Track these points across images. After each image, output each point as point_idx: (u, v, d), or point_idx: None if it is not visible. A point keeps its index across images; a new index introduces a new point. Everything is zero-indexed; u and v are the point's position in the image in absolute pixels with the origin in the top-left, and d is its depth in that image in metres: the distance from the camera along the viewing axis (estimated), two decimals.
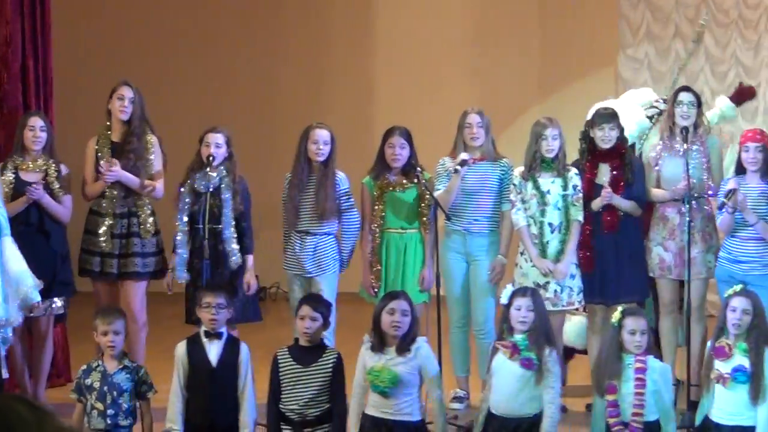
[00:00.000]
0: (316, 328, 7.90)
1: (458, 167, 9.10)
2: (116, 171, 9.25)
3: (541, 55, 13.28)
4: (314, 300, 8.23)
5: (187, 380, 7.94)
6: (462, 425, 8.46)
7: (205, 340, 7.98)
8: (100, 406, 7.80)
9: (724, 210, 8.98)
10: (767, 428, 7.76)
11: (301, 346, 7.96)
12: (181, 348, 8.00)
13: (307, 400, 7.86)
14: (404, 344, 7.85)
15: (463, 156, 9.15)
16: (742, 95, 10.52)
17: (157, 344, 9.79)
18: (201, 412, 7.94)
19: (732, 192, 8.86)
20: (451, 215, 9.33)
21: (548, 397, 7.82)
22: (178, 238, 9.28)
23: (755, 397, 7.76)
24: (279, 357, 7.96)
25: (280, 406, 7.87)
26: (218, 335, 8.00)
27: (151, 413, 7.98)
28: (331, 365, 7.91)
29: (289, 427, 7.85)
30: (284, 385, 7.88)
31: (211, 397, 7.93)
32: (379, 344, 7.87)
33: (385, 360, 7.83)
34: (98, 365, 7.93)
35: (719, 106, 10.41)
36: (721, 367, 7.77)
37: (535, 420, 7.82)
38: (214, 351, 7.96)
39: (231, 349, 8.01)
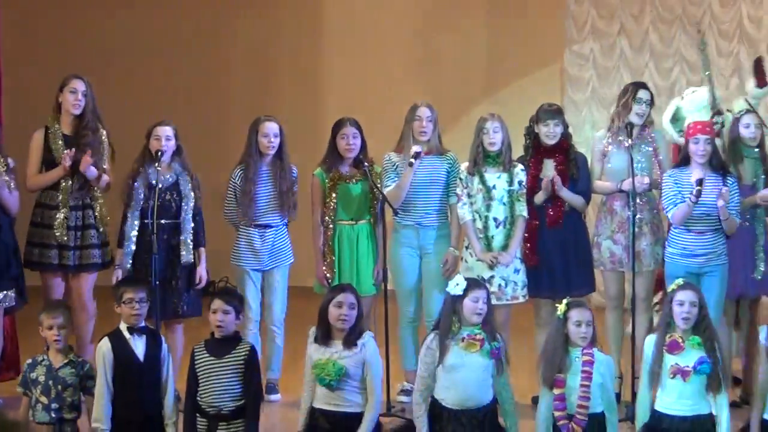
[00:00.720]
0: (228, 321, 7.82)
1: (412, 160, 9.07)
2: (90, 162, 9.22)
3: (488, 50, 13.30)
4: (227, 294, 8.14)
5: (114, 376, 7.86)
6: (408, 418, 8.38)
7: (128, 335, 7.90)
8: (44, 399, 7.79)
9: (684, 201, 8.98)
10: (724, 410, 7.78)
11: (216, 339, 7.89)
12: (105, 345, 7.87)
13: (221, 392, 7.81)
14: (351, 338, 7.87)
15: (416, 149, 9.13)
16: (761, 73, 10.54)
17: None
18: (130, 406, 7.86)
19: (700, 181, 8.86)
20: (400, 210, 9.31)
21: (504, 382, 7.93)
22: (133, 232, 9.23)
23: (716, 387, 7.77)
24: (195, 350, 7.93)
25: (198, 398, 7.83)
26: (141, 329, 7.94)
27: (91, 406, 7.96)
28: (243, 357, 7.86)
29: (205, 420, 7.80)
30: (200, 377, 7.83)
31: (140, 390, 7.88)
32: (325, 337, 7.91)
33: (331, 353, 7.86)
34: (43, 359, 7.91)
35: (753, 95, 10.47)
36: (679, 360, 7.75)
37: (491, 407, 7.86)
38: (140, 345, 7.90)
39: (154, 342, 8.00)
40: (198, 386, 7.81)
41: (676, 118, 10.32)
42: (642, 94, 9.58)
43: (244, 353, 7.87)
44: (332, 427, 7.86)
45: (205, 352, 7.86)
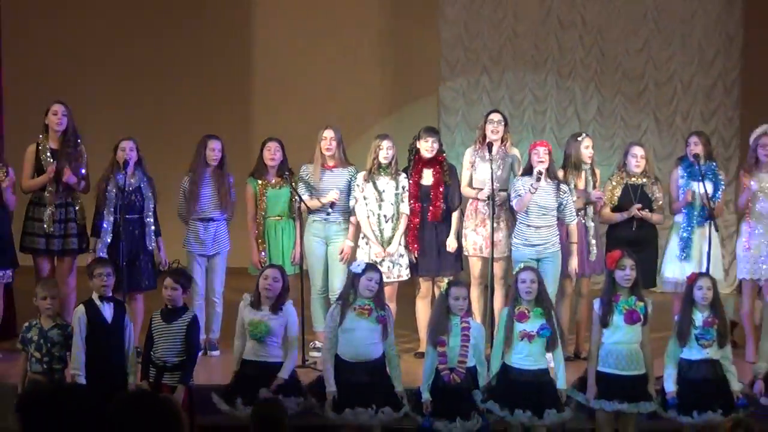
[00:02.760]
0: (176, 296, 7.94)
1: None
2: (69, 173, 9.29)
3: (382, 82, 13.11)
4: (176, 273, 8.17)
5: (87, 335, 7.85)
6: (319, 370, 8.37)
7: (99, 303, 7.90)
8: (37, 354, 7.85)
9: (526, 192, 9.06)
10: (560, 364, 7.95)
11: (168, 308, 7.97)
12: (81, 310, 7.91)
13: (167, 349, 7.86)
14: (276, 304, 8.00)
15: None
16: None
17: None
18: (99, 360, 7.85)
19: (540, 173, 9.04)
20: (311, 207, 9.39)
21: (390, 342, 7.99)
22: (105, 226, 9.23)
23: (554, 346, 7.93)
24: (153, 316, 8.02)
25: (151, 353, 7.88)
26: (109, 299, 7.97)
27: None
28: (186, 323, 7.93)
29: (155, 370, 7.84)
30: (154, 337, 7.90)
31: (108, 347, 7.88)
32: (257, 302, 8.02)
33: (261, 316, 7.96)
34: (36, 323, 7.96)
35: None
36: (526, 327, 7.86)
37: (381, 360, 7.95)
38: (108, 311, 7.90)
39: (119, 309, 8.02)
40: (152, 344, 7.92)
41: None
42: (493, 117, 9.59)
43: (187, 320, 7.95)
44: (258, 373, 7.88)
45: (159, 318, 7.96)
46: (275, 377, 7.88)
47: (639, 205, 9.41)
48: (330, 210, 9.47)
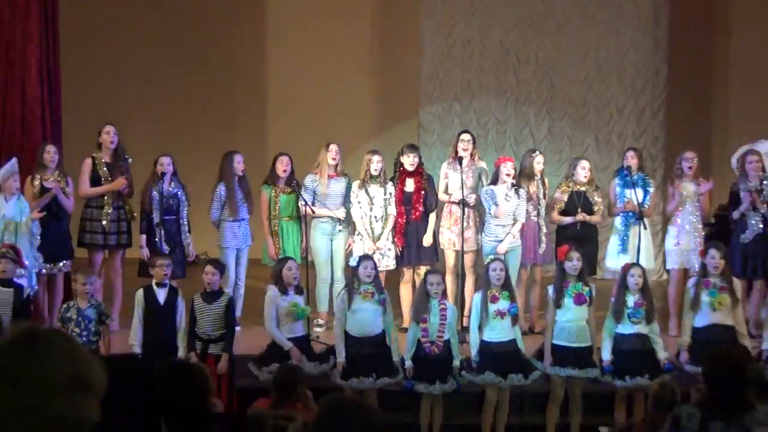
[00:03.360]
0: (215, 280, 7.98)
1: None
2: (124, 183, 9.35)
3: (373, 107, 13.00)
4: (215, 263, 8.23)
5: (144, 314, 7.91)
6: (324, 342, 8.48)
7: (156, 288, 7.95)
8: (77, 330, 7.77)
9: (495, 203, 9.06)
10: (521, 338, 8.06)
11: (207, 291, 7.99)
12: (140, 293, 7.97)
13: (209, 325, 7.89)
14: (299, 288, 8.12)
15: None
16: None
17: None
18: (154, 335, 7.88)
19: (515, 185, 9.12)
20: (316, 210, 9.35)
21: (388, 319, 8.06)
22: (155, 224, 9.21)
23: (515, 322, 8.04)
24: (194, 299, 8.00)
25: (195, 329, 7.90)
26: (164, 285, 8.01)
27: (108, 333, 8.02)
28: (224, 303, 7.96)
29: (201, 342, 7.87)
30: (196, 316, 7.90)
31: (160, 325, 7.91)
32: (284, 290, 8.02)
33: (290, 298, 8.01)
34: (74, 304, 7.92)
35: None
36: (499, 306, 7.93)
37: (381, 335, 8.00)
38: (162, 295, 7.94)
39: (171, 294, 8.02)
40: (196, 322, 7.91)
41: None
42: (464, 137, 9.57)
43: (225, 301, 8.01)
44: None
45: (200, 299, 7.96)
46: (300, 347, 7.96)
47: (583, 214, 9.39)
48: (340, 227, 9.50)
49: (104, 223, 9.30)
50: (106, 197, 9.32)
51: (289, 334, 7.99)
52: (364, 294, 7.97)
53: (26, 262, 8.48)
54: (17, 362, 2.06)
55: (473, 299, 8.25)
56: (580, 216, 9.41)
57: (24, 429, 2.04)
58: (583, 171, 9.53)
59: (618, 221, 9.57)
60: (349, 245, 9.48)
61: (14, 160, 9.01)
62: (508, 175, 9.18)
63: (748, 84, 12.51)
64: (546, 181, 9.63)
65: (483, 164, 9.74)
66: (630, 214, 9.44)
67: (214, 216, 9.52)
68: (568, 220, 9.47)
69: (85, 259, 9.40)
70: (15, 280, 8.20)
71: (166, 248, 9.08)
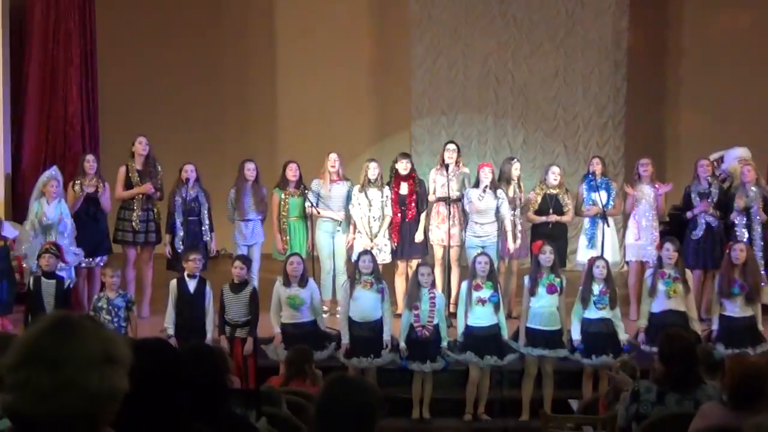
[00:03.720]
0: (243, 273, 8.00)
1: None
2: (151, 189, 9.31)
3: (371, 121, 12.93)
4: (243, 258, 8.29)
5: (176, 301, 7.94)
6: (331, 328, 8.41)
7: (187, 279, 7.97)
8: (108, 317, 7.78)
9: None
10: (504, 322, 8.04)
11: (234, 282, 8.00)
12: (173, 283, 8.00)
13: (236, 312, 7.91)
14: (302, 282, 8.01)
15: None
16: None
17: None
18: (185, 320, 7.91)
19: (486, 188, 9.09)
20: (321, 211, 9.33)
21: (386, 306, 8.05)
22: (178, 225, 9.20)
23: (497, 309, 8.01)
24: (223, 289, 8.00)
25: (225, 316, 7.92)
26: (195, 276, 8.01)
27: (136, 319, 8.03)
28: (249, 293, 7.97)
29: (230, 327, 7.89)
30: (225, 304, 7.92)
31: (191, 311, 7.93)
32: (287, 281, 8.00)
33: (293, 290, 7.96)
34: (104, 295, 7.95)
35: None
36: (480, 294, 7.94)
37: (379, 320, 7.98)
38: (192, 285, 7.96)
39: (200, 284, 8.02)
40: (224, 309, 7.95)
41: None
42: (449, 147, 9.56)
43: (250, 290, 8.03)
44: (295, 331, 7.91)
45: (228, 290, 7.98)
46: (316, 334, 7.96)
47: (554, 216, 9.41)
48: (338, 228, 9.45)
49: (134, 223, 9.27)
50: (136, 200, 9.30)
51: (294, 320, 7.98)
52: (364, 283, 7.95)
53: (68, 258, 8.50)
54: (53, 346, 2.07)
55: (461, 288, 8.25)
56: (553, 217, 9.43)
57: (64, 404, 2.05)
58: (553, 175, 9.56)
59: (586, 221, 9.59)
60: (349, 242, 9.40)
61: (54, 168, 9.02)
62: (486, 178, 9.18)
63: (697, 99, 12.55)
64: (522, 184, 9.62)
65: (466, 170, 9.73)
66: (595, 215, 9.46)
67: (228, 216, 9.51)
68: (541, 219, 9.48)
69: (120, 255, 9.43)
70: (57, 272, 8.23)
71: (181, 247, 9.01)
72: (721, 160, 9.87)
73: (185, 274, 8.03)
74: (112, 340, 2.15)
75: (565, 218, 9.55)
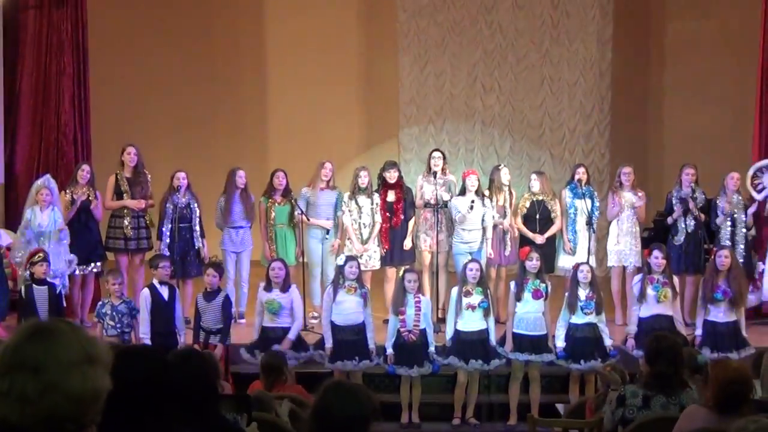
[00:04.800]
0: (215, 281, 8.01)
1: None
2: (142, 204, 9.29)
3: (360, 129, 12.89)
4: (215, 266, 8.22)
5: (151, 309, 7.87)
6: (318, 332, 8.42)
7: (159, 286, 7.93)
8: (111, 323, 7.87)
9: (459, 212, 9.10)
10: (493, 327, 8.04)
11: (207, 291, 8.03)
12: (146, 291, 7.97)
13: (210, 318, 7.93)
14: (283, 287, 8.04)
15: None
16: None
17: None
18: (160, 326, 7.88)
19: (473, 202, 9.08)
20: (310, 218, 9.33)
21: (368, 311, 8.01)
22: (165, 232, 9.16)
23: (488, 314, 8.00)
24: (198, 297, 8.07)
25: (200, 322, 7.95)
26: (165, 284, 7.99)
27: (137, 325, 7.98)
28: (222, 300, 7.97)
29: (204, 333, 7.91)
30: (200, 311, 7.95)
31: (164, 318, 7.92)
32: (269, 286, 8.04)
33: (273, 295, 7.99)
34: (108, 301, 7.98)
35: None
36: (470, 300, 7.93)
37: (362, 325, 7.97)
38: (165, 292, 7.95)
39: (171, 290, 8.04)
40: (200, 317, 7.97)
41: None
42: (435, 154, 9.55)
43: (222, 298, 8.01)
44: (273, 335, 7.91)
45: (202, 298, 8.00)
46: (286, 338, 7.92)
47: (539, 237, 9.33)
48: (326, 236, 9.42)
49: (126, 230, 9.24)
50: (126, 209, 9.27)
51: (274, 324, 8.00)
52: (348, 288, 7.94)
53: (59, 265, 8.48)
54: (34, 352, 2.09)
55: (452, 293, 8.22)
56: (539, 239, 9.32)
57: (50, 407, 2.06)
58: (535, 182, 9.58)
59: (569, 229, 9.52)
60: (333, 247, 9.37)
61: (47, 176, 8.98)
62: (472, 185, 9.19)
63: (679, 108, 12.57)
64: (513, 192, 9.62)
65: (452, 177, 9.75)
66: (576, 224, 9.44)
67: (216, 223, 9.48)
68: (526, 233, 9.41)
69: (113, 262, 9.39)
70: (49, 279, 8.22)
71: (167, 253, 8.95)
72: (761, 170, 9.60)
73: (154, 281, 7.97)
74: (90, 341, 2.17)
75: (553, 230, 9.50)
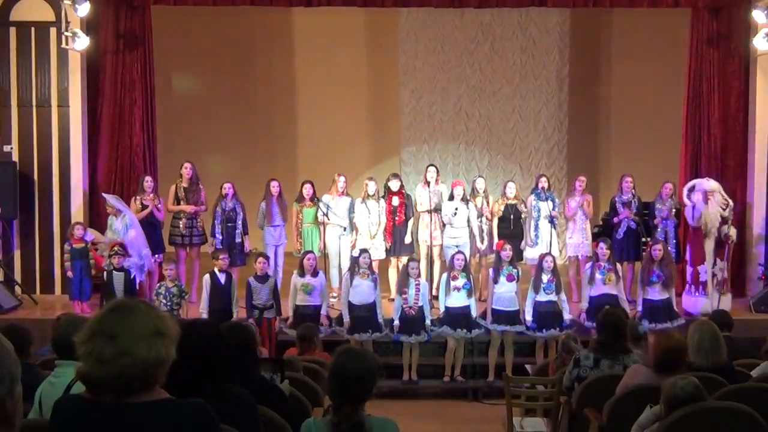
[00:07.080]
0: (265, 267, 7.98)
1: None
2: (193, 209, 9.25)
3: (368, 145, 12.68)
4: (265, 256, 8.19)
5: (209, 290, 7.85)
6: (337, 309, 8.43)
7: (218, 273, 7.92)
8: (163, 301, 7.82)
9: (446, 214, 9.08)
10: (475, 305, 8.01)
11: (258, 275, 7.95)
12: (207, 277, 7.95)
13: (261, 297, 7.88)
14: (314, 273, 8.02)
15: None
16: None
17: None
18: (217, 305, 7.82)
19: (456, 209, 9.03)
20: (330, 218, 9.24)
21: (378, 293, 8.01)
22: (217, 231, 9.14)
23: (470, 294, 8.00)
24: (250, 280, 7.96)
25: (252, 302, 7.87)
26: (223, 271, 7.96)
27: (187, 304, 8.05)
28: (272, 283, 7.95)
29: (257, 311, 7.84)
30: (253, 292, 7.87)
31: (221, 299, 7.86)
32: (302, 273, 8.00)
33: (307, 280, 7.98)
34: (164, 284, 7.98)
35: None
36: (456, 283, 7.90)
37: (374, 303, 7.94)
38: (223, 278, 7.92)
39: (228, 277, 7.99)
40: (252, 296, 7.89)
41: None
42: (430, 168, 9.49)
43: (272, 282, 8.03)
44: (307, 312, 7.87)
45: (255, 281, 7.93)
46: (319, 314, 7.89)
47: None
48: (343, 232, 9.37)
49: (182, 229, 9.22)
50: (183, 212, 9.24)
51: (305, 303, 7.95)
52: (362, 274, 7.91)
53: (132, 253, 8.46)
54: (112, 323, 2.11)
55: (442, 277, 8.20)
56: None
57: (121, 368, 2.08)
58: (510, 190, 9.57)
59: (531, 225, 9.44)
60: (353, 243, 9.27)
61: (110, 196, 8.97)
62: (458, 194, 9.17)
63: (623, 130, 12.56)
64: (489, 198, 9.59)
65: (444, 186, 9.73)
66: (540, 221, 9.37)
67: (258, 223, 9.39)
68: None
69: (173, 253, 9.36)
70: (124, 266, 8.20)
71: (220, 247, 8.81)
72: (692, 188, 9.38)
73: (215, 269, 7.97)
74: (160, 318, 2.16)
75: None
